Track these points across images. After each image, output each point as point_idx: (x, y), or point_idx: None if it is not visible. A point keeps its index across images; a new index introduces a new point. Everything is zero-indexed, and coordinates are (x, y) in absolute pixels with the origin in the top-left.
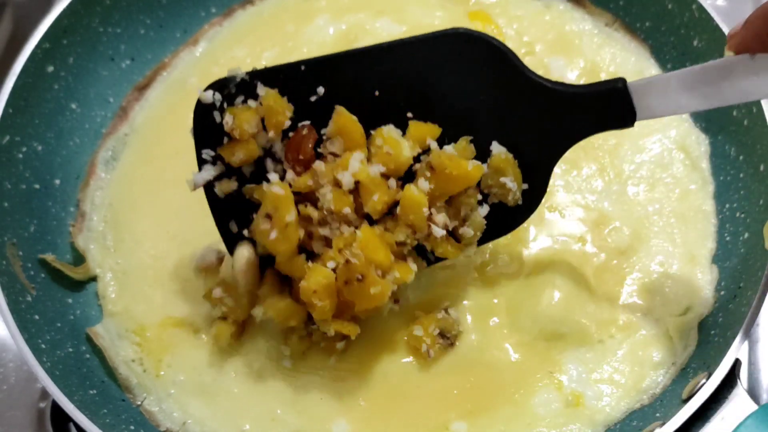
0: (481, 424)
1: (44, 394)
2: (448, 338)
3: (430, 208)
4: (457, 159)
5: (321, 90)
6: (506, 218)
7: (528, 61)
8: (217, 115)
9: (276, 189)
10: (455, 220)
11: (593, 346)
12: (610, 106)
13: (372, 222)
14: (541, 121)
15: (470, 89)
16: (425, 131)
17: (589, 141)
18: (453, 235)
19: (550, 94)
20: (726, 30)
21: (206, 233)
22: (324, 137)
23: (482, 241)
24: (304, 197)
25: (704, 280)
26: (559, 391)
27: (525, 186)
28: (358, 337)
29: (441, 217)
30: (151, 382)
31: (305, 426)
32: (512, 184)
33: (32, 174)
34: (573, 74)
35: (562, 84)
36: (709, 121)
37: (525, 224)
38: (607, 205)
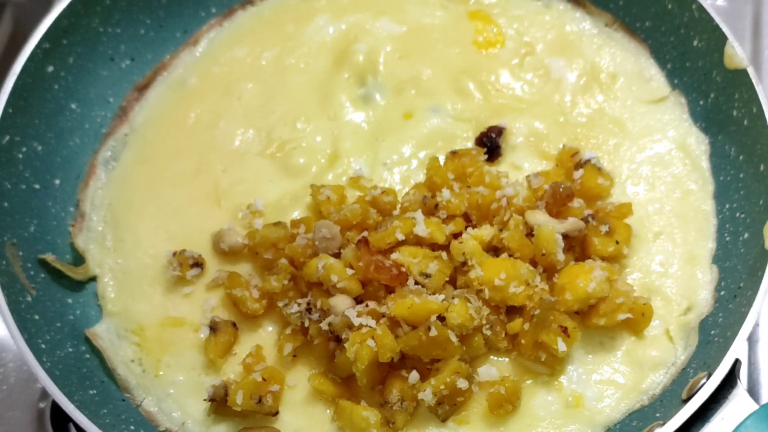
0: (481, 425)
1: (44, 394)
2: None
3: None
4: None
5: None
6: None
7: (528, 61)
8: None
9: None
10: None
11: (593, 347)
12: None
13: None
14: None
15: None
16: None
17: (589, 141)
18: None
19: None
20: (726, 30)
21: (205, 233)
22: None
23: None
24: None
25: (704, 280)
26: (559, 392)
27: None
28: None
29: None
30: (150, 382)
31: (305, 426)
32: None
33: (32, 174)
34: (573, 75)
35: None
36: (709, 121)
37: None
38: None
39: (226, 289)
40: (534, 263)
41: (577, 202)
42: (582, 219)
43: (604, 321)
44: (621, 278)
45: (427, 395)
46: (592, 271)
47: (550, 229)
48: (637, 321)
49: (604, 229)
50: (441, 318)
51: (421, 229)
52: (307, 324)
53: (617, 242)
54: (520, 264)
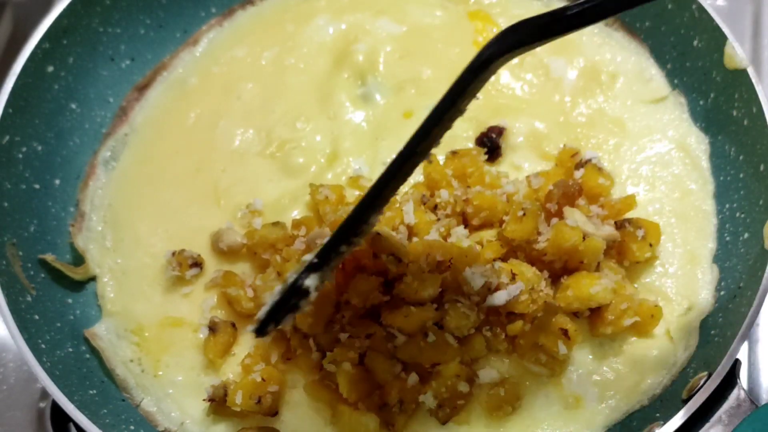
0: (481, 425)
1: (44, 394)
2: None
3: None
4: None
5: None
6: None
7: (528, 61)
8: None
9: None
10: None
11: (593, 348)
12: None
13: None
14: None
15: None
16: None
17: (589, 141)
18: None
19: None
20: (726, 30)
21: (204, 232)
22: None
23: None
24: None
25: (704, 280)
26: (559, 393)
27: None
28: None
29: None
30: (149, 382)
31: (304, 426)
32: None
33: (32, 174)
34: (573, 74)
35: None
36: (709, 121)
37: None
38: None
39: (221, 288)
40: (538, 264)
41: (582, 201)
42: (617, 223)
43: (611, 329)
44: (626, 283)
45: (428, 398)
46: (600, 278)
47: (600, 241)
48: (645, 323)
49: (640, 233)
50: (437, 324)
51: (410, 218)
52: (288, 335)
53: (650, 245)
54: (525, 269)
